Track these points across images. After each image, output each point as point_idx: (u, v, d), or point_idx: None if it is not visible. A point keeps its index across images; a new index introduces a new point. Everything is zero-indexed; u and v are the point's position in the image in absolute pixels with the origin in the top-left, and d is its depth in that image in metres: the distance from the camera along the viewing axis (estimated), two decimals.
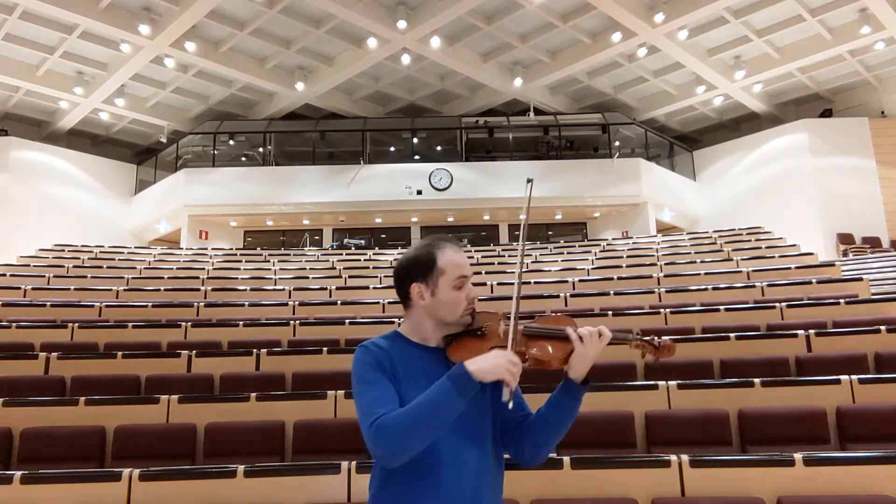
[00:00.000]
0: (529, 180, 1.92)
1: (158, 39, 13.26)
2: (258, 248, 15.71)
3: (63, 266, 11.72)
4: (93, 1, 12.47)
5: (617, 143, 17.71)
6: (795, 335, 5.24)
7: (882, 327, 5.23)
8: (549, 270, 10.86)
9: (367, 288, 9.41)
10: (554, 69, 15.48)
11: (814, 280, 7.93)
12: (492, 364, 1.46)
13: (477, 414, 1.59)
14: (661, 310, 6.75)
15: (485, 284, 9.18)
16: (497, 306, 7.41)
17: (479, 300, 8.08)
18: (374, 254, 14.28)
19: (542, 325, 1.63)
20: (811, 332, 5.26)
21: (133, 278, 10.74)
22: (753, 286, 7.85)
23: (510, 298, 1.63)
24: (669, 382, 4.22)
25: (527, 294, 8.19)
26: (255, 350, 5.51)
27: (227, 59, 14.71)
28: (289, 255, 14.35)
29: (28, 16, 12.83)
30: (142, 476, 3.10)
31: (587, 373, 1.59)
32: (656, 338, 1.59)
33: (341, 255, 14.26)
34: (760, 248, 11.99)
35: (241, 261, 13.39)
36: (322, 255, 14.26)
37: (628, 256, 11.99)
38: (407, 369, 1.60)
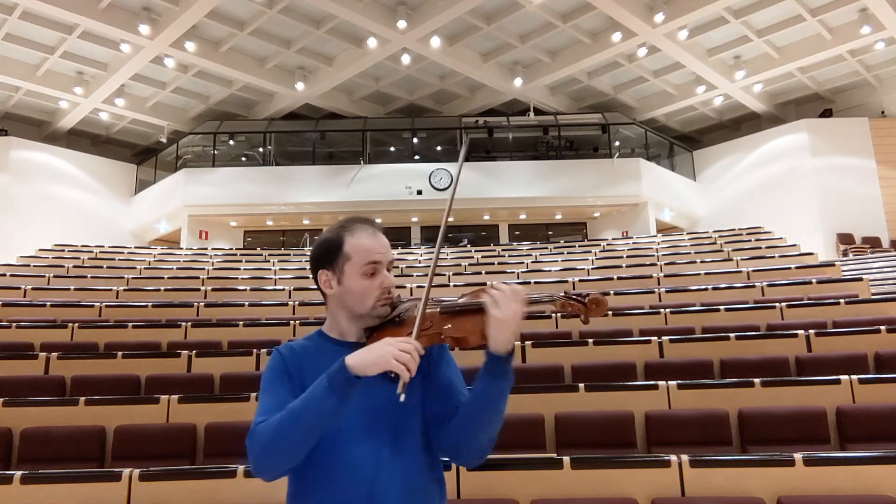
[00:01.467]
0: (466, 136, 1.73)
1: (158, 39, 13.26)
2: (258, 248, 15.70)
3: (63, 266, 11.72)
4: (93, 1, 12.47)
5: (617, 143, 17.71)
6: (795, 335, 5.24)
7: (882, 327, 5.23)
8: (549, 270, 10.86)
9: None
10: (554, 69, 15.48)
11: (814, 280, 7.92)
12: (375, 354, 1.27)
13: (388, 405, 1.38)
14: (661, 310, 6.75)
15: (485, 285, 9.17)
16: None
17: None
18: None
19: (460, 301, 1.48)
20: (811, 332, 5.25)
21: (133, 278, 10.74)
22: (753, 286, 7.84)
23: None
24: (669, 382, 4.22)
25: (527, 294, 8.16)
26: (255, 350, 5.50)
27: (227, 59, 14.71)
28: (289, 255, 14.35)
29: (28, 16, 12.82)
30: (142, 476, 3.10)
31: (513, 345, 1.38)
32: (586, 294, 1.42)
33: None
34: (760, 248, 11.99)
35: (241, 261, 13.40)
36: None
37: (628, 256, 11.98)
38: (318, 370, 1.40)
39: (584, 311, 1.42)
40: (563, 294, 1.44)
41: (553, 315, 6.69)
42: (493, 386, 1.38)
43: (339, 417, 1.33)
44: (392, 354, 1.25)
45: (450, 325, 1.44)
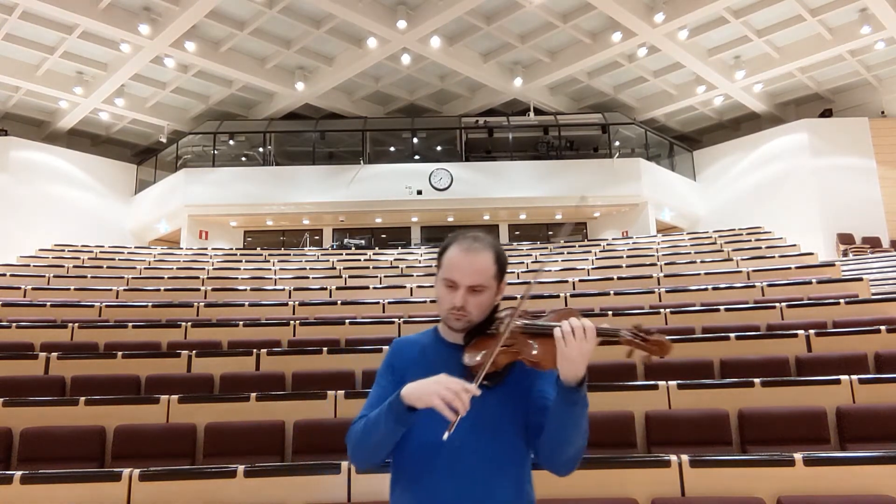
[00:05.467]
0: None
1: (158, 39, 13.26)
2: (258, 248, 15.70)
3: (63, 266, 11.71)
4: (93, 1, 12.47)
5: (617, 143, 17.71)
6: (795, 335, 5.24)
7: (882, 327, 5.23)
8: (550, 270, 10.85)
9: (367, 288, 9.40)
10: (554, 69, 15.48)
11: (814, 280, 7.92)
12: (422, 390, 1.35)
13: (494, 403, 1.49)
14: (661, 310, 6.75)
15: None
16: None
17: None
18: (374, 254, 14.28)
19: (540, 321, 1.48)
20: (811, 332, 5.25)
21: (133, 278, 10.74)
22: (753, 286, 7.84)
23: (513, 298, 1.56)
24: (669, 382, 4.22)
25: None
26: (255, 350, 5.50)
27: (227, 59, 14.70)
28: (289, 255, 14.34)
29: (28, 16, 12.82)
30: (142, 476, 3.10)
31: (584, 373, 1.37)
32: (650, 333, 1.37)
33: (341, 255, 14.25)
34: (760, 248, 11.99)
35: (241, 261, 13.39)
36: (322, 255, 14.26)
37: (628, 256, 11.98)
38: (426, 366, 1.51)
39: (646, 349, 1.37)
40: (628, 332, 1.38)
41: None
42: (566, 411, 1.40)
43: (401, 434, 1.45)
44: (437, 394, 1.32)
45: (529, 346, 1.46)
